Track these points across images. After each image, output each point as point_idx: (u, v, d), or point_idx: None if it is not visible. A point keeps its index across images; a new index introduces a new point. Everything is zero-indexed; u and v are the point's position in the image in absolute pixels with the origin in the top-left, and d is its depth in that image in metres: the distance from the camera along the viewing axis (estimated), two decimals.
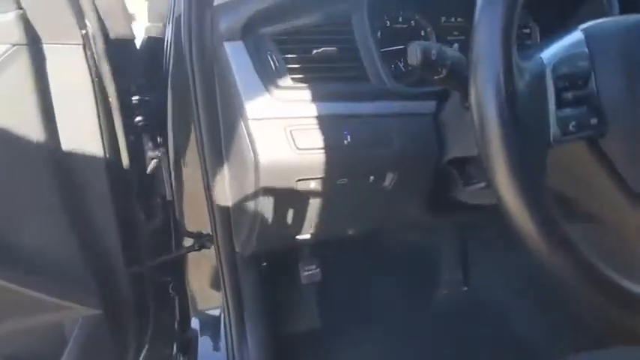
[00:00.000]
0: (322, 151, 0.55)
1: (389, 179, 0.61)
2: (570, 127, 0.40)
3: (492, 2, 0.38)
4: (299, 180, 0.57)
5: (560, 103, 0.40)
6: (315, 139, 0.55)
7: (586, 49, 0.43)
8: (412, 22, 0.68)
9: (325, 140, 0.55)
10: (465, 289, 1.12)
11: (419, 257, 1.14)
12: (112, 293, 0.75)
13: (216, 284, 0.91)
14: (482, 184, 0.58)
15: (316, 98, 0.56)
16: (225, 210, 0.65)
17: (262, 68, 0.55)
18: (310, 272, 0.91)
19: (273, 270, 0.91)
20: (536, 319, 0.95)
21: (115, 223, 0.72)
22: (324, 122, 0.55)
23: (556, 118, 0.40)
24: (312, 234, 0.71)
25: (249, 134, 0.54)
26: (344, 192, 0.61)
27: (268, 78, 0.55)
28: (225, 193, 0.63)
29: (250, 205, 0.61)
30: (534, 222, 0.37)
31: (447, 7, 0.69)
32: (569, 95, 0.40)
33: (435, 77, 0.47)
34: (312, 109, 0.56)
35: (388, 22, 0.66)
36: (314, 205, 0.63)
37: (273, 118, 0.55)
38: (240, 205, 0.63)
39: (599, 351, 0.53)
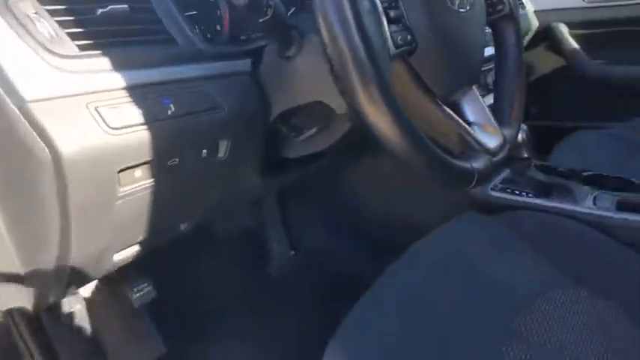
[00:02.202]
0: (144, 127, 0.45)
1: (223, 148, 0.55)
2: (399, 41, 0.44)
3: None
4: (121, 171, 0.46)
5: (389, 20, 0.44)
6: (130, 114, 0.44)
7: None
8: None
9: (144, 114, 0.45)
10: (293, 252, 1.16)
11: (248, 240, 1.12)
12: None
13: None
14: (314, 130, 0.59)
15: (118, 66, 0.45)
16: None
17: (32, 38, 0.41)
18: (142, 292, 0.78)
19: (92, 306, 0.74)
20: (365, 255, 1.06)
21: None
22: (137, 93, 0.45)
23: (389, 33, 0.43)
24: (140, 243, 0.60)
25: (33, 121, 0.40)
26: (177, 176, 0.53)
27: (44, 48, 0.41)
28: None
29: (49, 229, 0.45)
30: (395, 124, 0.41)
31: None
32: (391, 13, 0.44)
33: (261, 20, 0.45)
34: (118, 80, 0.45)
35: None
36: (142, 203, 0.52)
37: (66, 96, 0.41)
38: (29, 236, 0.47)
39: None
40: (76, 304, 0.72)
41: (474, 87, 0.61)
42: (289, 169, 0.69)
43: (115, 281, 0.74)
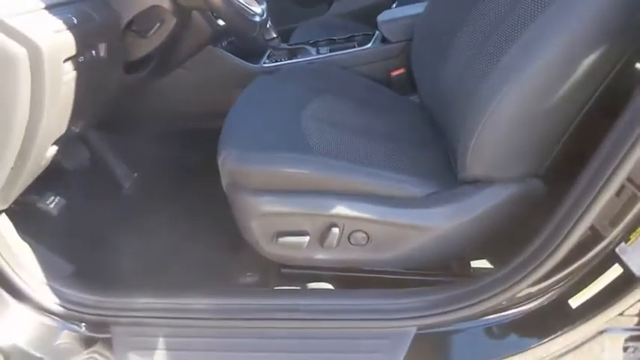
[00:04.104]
0: (67, 30, 0.70)
1: (102, 49, 0.81)
2: None
3: None
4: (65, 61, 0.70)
5: None
6: (58, 23, 0.69)
7: None
8: None
9: (64, 22, 0.70)
10: (135, 174, 1.37)
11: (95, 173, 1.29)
12: None
13: None
14: (157, 26, 0.90)
15: None
16: None
17: None
18: (55, 202, 0.96)
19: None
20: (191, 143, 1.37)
21: None
22: (56, 10, 0.71)
23: None
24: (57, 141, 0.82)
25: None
26: (83, 71, 0.77)
27: None
28: None
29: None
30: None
31: None
32: None
33: None
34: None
35: None
36: (69, 91, 0.74)
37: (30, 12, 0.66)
38: None
39: None
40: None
41: None
42: (142, 67, 0.97)
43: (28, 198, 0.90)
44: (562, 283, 0.74)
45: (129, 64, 0.92)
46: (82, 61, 0.74)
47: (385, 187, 0.83)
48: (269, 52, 1.33)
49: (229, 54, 1.24)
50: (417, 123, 1.05)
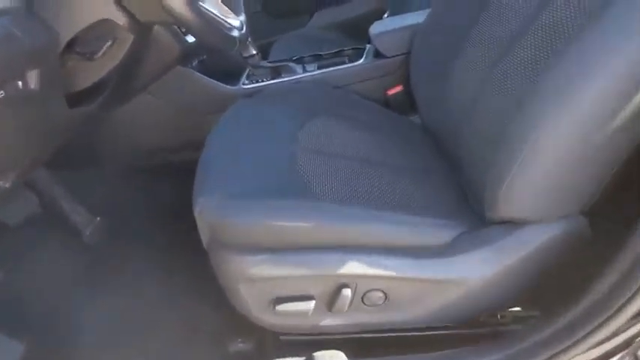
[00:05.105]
0: None
1: (33, 80, 0.62)
2: None
3: None
4: None
5: None
6: None
7: None
8: None
9: None
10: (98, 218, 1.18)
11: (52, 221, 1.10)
12: None
13: None
14: (108, 44, 0.71)
15: None
16: None
17: None
18: None
19: None
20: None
21: None
22: None
23: None
24: None
25: None
26: (4, 108, 0.58)
27: None
28: None
29: None
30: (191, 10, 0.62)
31: None
32: None
33: None
34: None
35: None
36: None
37: None
38: None
39: None
40: None
41: None
42: (91, 97, 0.78)
43: None
44: None
45: (73, 95, 0.73)
46: (1, 97, 0.56)
47: (403, 235, 0.69)
48: (248, 71, 1.17)
49: (202, 75, 1.08)
50: (422, 149, 0.91)
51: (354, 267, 0.65)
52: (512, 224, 0.68)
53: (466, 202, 0.76)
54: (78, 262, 1.06)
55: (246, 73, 1.17)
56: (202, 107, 1.10)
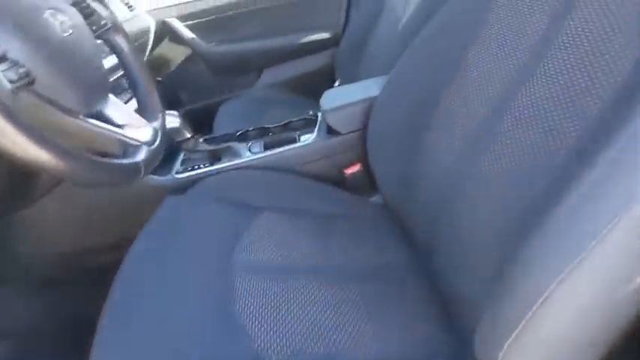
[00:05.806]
0: None
1: None
2: (13, 77, 0.46)
3: None
4: None
5: None
6: None
7: None
8: None
9: None
10: None
11: None
12: None
13: None
14: None
15: None
16: None
17: None
18: None
19: None
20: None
21: None
22: None
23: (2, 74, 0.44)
24: None
25: None
26: None
27: None
28: None
29: None
30: (37, 144, 0.46)
31: None
32: None
33: None
34: None
35: None
36: None
37: None
38: None
39: None
40: None
41: (111, 95, 0.69)
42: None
43: None
44: None
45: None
46: None
47: None
48: (183, 155, 1.00)
49: None
50: (387, 242, 0.77)
51: None
52: None
53: (444, 320, 0.60)
54: None
55: (180, 159, 1.00)
56: (124, 205, 0.92)
